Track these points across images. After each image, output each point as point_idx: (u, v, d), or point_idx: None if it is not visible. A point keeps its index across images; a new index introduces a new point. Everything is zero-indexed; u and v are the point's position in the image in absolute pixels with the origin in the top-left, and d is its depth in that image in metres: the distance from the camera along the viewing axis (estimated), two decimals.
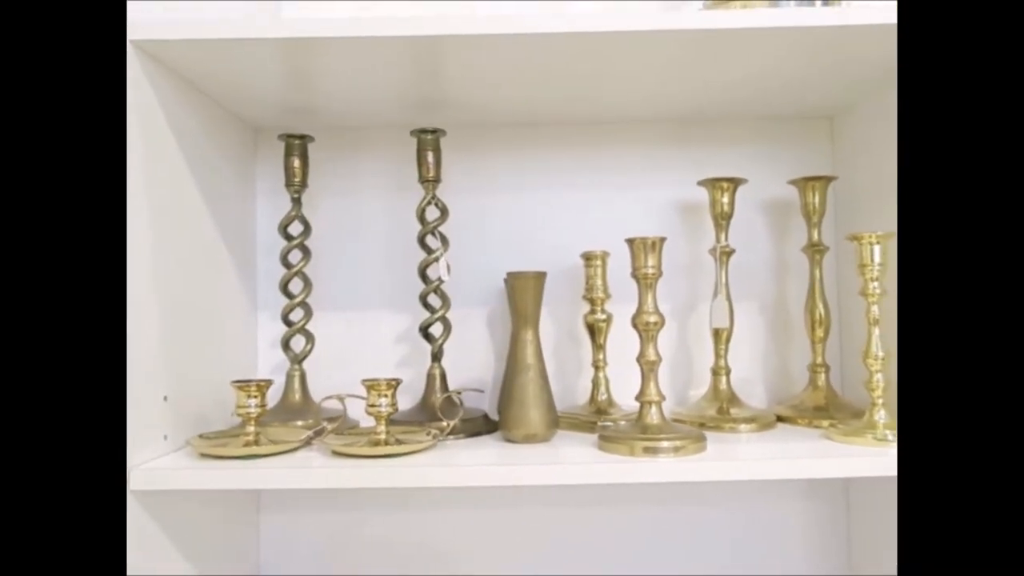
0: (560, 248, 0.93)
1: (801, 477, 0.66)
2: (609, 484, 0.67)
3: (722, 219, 0.86)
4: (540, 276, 0.78)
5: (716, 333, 0.87)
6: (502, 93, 0.83)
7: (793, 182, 0.89)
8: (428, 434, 0.75)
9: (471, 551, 0.95)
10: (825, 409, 0.84)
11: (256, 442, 0.72)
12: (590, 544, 0.95)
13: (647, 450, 0.68)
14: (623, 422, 0.79)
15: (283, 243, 0.87)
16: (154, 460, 0.69)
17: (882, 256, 0.72)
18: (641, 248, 0.72)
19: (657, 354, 0.72)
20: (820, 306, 0.87)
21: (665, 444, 0.68)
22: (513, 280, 0.78)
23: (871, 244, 0.72)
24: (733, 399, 0.85)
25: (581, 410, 0.87)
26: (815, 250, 0.88)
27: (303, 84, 0.80)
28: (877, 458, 0.66)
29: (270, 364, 0.95)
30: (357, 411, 0.79)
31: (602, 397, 0.88)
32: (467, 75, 0.77)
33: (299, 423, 0.82)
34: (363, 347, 0.96)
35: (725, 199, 0.86)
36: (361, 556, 0.95)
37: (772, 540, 0.95)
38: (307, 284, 0.88)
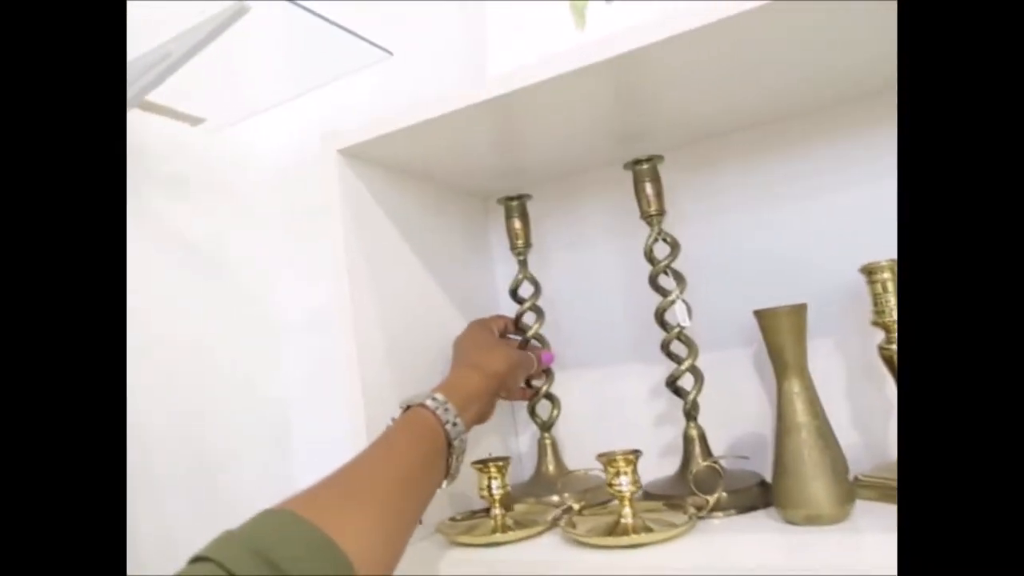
0: (827, 265, 0.75)
1: None
2: None
3: None
4: (796, 310, 0.62)
5: None
6: (709, 98, 0.70)
7: None
8: (686, 514, 0.64)
9: None
10: None
11: (500, 528, 0.68)
12: None
13: None
14: None
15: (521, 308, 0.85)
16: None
17: None
18: None
19: None
20: None
21: None
22: (762, 319, 0.63)
23: None
24: None
25: (891, 471, 0.66)
26: None
27: (512, 141, 0.78)
28: None
29: (528, 432, 0.92)
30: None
31: None
32: (672, 83, 0.66)
33: (554, 498, 0.77)
34: (611, 407, 0.88)
35: None
36: None
37: None
38: (544, 346, 0.84)
